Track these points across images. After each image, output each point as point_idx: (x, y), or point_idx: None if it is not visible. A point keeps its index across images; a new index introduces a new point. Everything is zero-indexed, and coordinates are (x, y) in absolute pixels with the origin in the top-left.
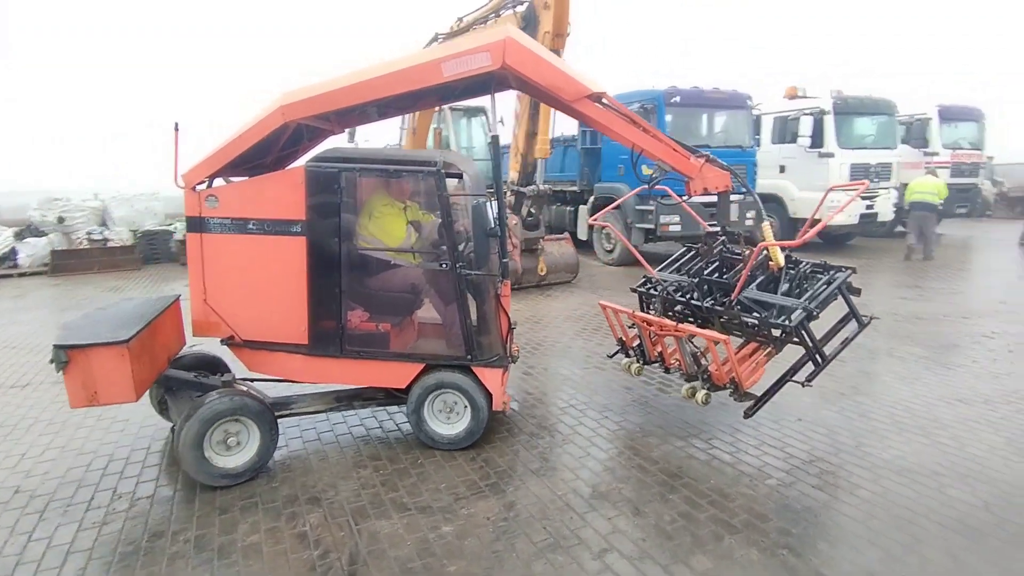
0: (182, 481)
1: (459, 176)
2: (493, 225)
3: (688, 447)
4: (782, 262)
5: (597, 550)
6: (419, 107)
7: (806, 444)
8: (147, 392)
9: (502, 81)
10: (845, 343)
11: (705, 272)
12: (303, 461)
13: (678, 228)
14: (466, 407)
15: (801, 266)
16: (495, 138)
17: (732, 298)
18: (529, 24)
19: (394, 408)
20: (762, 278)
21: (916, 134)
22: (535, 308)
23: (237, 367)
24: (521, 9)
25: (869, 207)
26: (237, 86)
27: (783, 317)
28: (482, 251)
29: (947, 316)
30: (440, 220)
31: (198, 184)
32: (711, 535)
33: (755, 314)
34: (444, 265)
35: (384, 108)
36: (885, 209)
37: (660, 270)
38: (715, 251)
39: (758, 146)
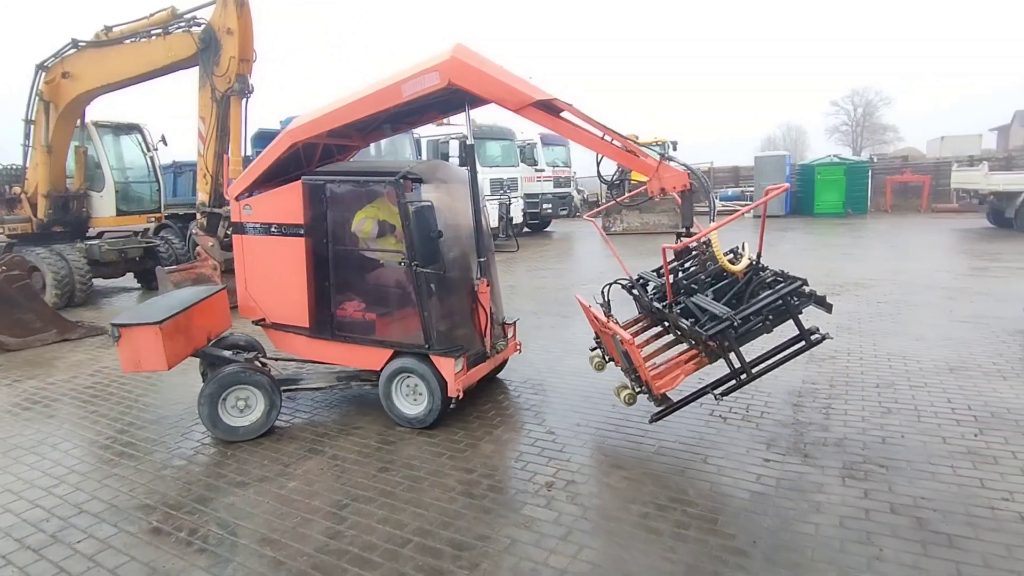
0: None
1: (419, 181)
2: (436, 228)
3: None
4: (733, 268)
5: (417, 463)
6: (425, 120)
7: (517, 374)
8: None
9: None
10: (781, 359)
11: (679, 274)
12: (102, 480)
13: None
14: (425, 391)
15: (763, 274)
16: (470, 147)
17: (668, 300)
18: (210, 47)
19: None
20: (719, 284)
21: (528, 155)
22: None
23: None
24: (197, 30)
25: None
26: None
27: (708, 326)
28: (427, 251)
29: (568, 286)
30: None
31: (239, 196)
32: (479, 430)
33: (689, 320)
34: (403, 263)
35: (395, 123)
36: (517, 214)
37: (652, 271)
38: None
39: None
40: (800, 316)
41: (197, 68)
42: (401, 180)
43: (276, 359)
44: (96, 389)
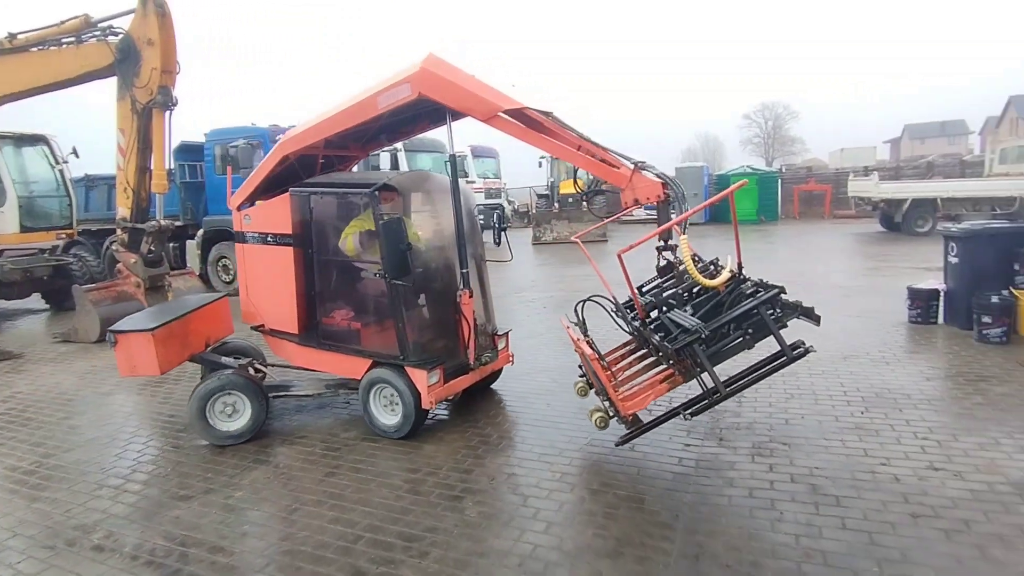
0: None
1: (395, 191)
2: (406, 240)
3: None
4: (711, 283)
5: (363, 467)
6: (419, 129)
7: None
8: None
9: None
10: (759, 376)
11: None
12: (31, 504)
13: None
14: (399, 402)
15: (744, 285)
16: (453, 157)
17: (640, 317)
18: (128, 57)
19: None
20: (700, 299)
21: (459, 167)
22: None
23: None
24: (115, 40)
25: None
26: None
27: (676, 340)
28: (397, 263)
29: (502, 295)
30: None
31: (240, 206)
32: (422, 432)
33: (659, 335)
34: (378, 274)
35: (390, 132)
36: None
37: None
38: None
39: None
40: (782, 329)
41: (115, 78)
42: (376, 192)
43: (274, 365)
44: (11, 415)
